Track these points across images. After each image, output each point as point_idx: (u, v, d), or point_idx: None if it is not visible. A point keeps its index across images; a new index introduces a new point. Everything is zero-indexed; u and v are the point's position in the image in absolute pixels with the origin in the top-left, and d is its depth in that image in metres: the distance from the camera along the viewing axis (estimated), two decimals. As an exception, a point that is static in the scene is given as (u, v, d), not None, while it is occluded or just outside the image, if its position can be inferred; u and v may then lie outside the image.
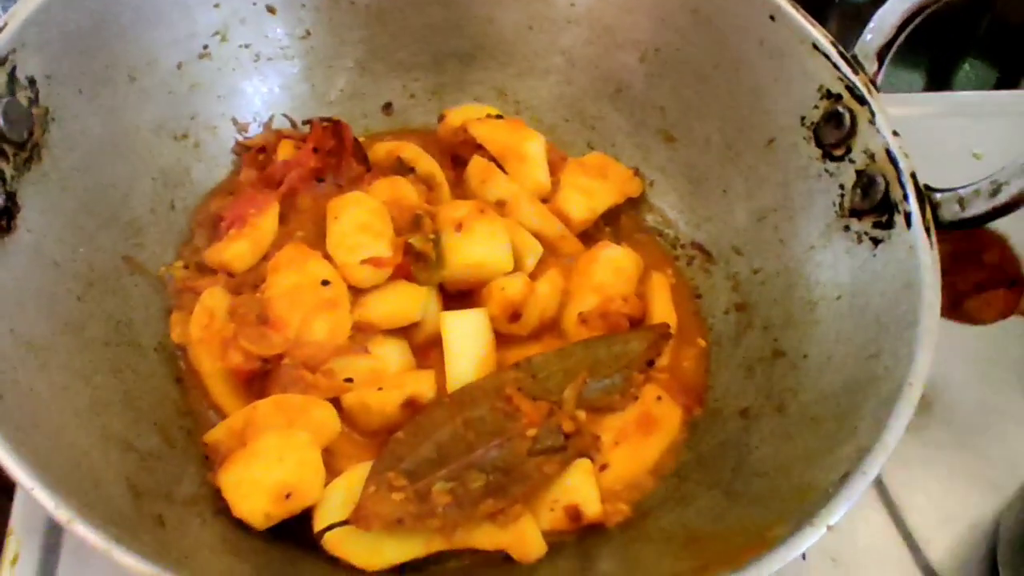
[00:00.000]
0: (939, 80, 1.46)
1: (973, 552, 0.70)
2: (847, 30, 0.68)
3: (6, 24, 0.57)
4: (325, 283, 0.63)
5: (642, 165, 0.77)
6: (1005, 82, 1.44)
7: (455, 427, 0.58)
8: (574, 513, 0.58)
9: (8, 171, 0.56)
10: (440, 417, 0.59)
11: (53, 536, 0.64)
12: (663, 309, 0.69)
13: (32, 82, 0.59)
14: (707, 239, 0.74)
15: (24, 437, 0.46)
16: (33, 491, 0.43)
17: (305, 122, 0.74)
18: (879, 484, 0.71)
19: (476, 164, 0.72)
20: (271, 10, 0.74)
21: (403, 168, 0.73)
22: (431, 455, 0.57)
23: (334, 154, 0.71)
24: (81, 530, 0.43)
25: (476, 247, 0.66)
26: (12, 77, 0.57)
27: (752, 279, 0.70)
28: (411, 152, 0.73)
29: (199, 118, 0.72)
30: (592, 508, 0.58)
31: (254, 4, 0.73)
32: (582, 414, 0.61)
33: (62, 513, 0.43)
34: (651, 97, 0.76)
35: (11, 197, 0.56)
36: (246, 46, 0.73)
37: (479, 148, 0.73)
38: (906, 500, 0.71)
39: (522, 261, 0.68)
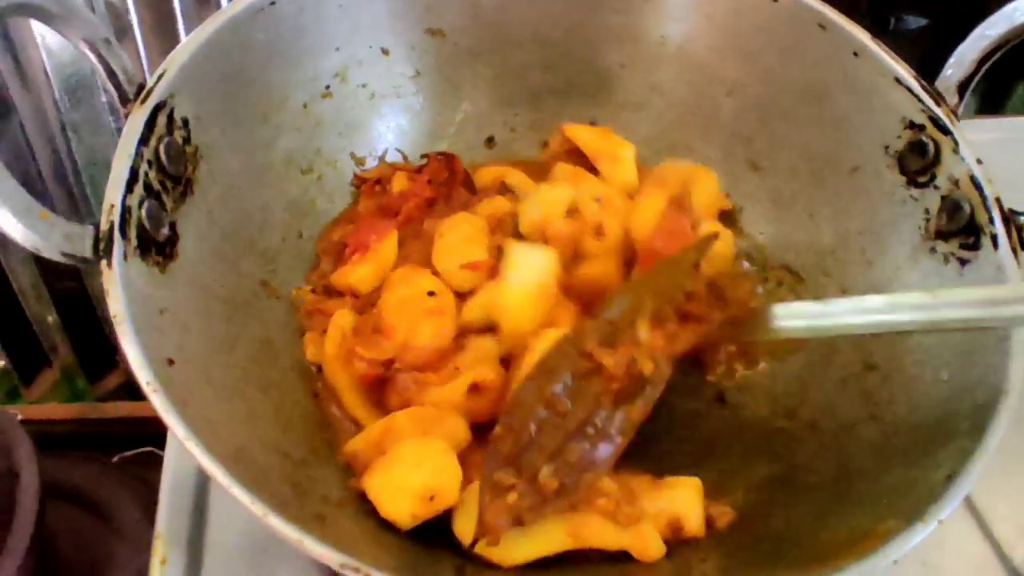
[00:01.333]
0: (992, 105, 1.50)
1: (1055, 557, 0.74)
2: (901, 54, 0.73)
3: (165, 71, 0.63)
4: (431, 294, 0.69)
5: (731, 192, 0.82)
6: (1058, 107, 1.48)
7: (544, 402, 0.61)
8: (676, 526, 0.63)
9: (169, 203, 0.62)
10: (528, 398, 0.61)
11: (196, 542, 0.70)
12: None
13: (186, 123, 0.65)
14: (795, 261, 0.78)
15: (208, 440, 0.51)
16: (231, 488, 0.49)
17: (422, 156, 0.80)
18: (964, 492, 0.75)
19: (562, 168, 0.78)
20: (385, 52, 0.80)
21: (506, 191, 0.78)
22: (529, 440, 0.60)
23: (445, 184, 0.77)
24: (274, 523, 0.48)
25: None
26: (171, 118, 0.63)
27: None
28: (516, 177, 0.79)
29: (322, 153, 0.78)
30: (694, 524, 0.63)
31: (370, 47, 0.79)
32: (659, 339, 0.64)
33: (257, 508, 0.48)
34: (738, 129, 0.81)
35: (172, 227, 0.62)
36: (363, 86, 0.79)
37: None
38: (990, 508, 0.75)
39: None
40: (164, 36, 1.15)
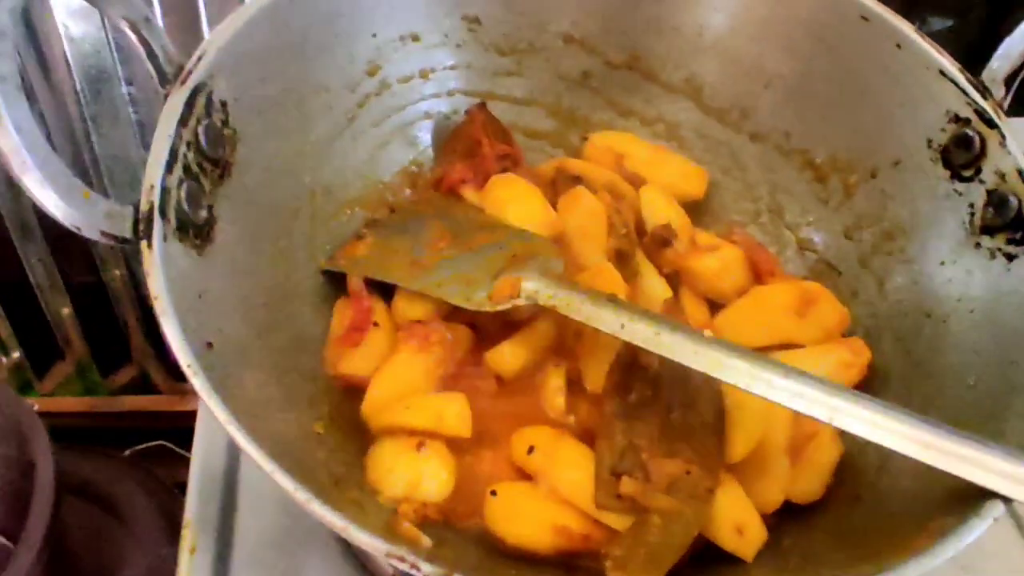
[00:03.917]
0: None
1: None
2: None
3: (205, 52, 0.62)
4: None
5: (771, 186, 0.81)
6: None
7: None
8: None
9: (207, 185, 0.61)
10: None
11: (225, 531, 0.69)
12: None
13: (224, 105, 0.64)
14: (835, 256, 0.77)
15: (248, 425, 0.50)
16: (274, 474, 0.47)
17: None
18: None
19: None
20: (420, 39, 0.79)
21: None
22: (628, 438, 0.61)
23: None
24: (317, 510, 0.47)
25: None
26: (209, 101, 0.62)
27: (880, 292, 0.73)
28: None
29: (359, 139, 0.77)
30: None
31: (405, 33, 0.78)
32: None
33: (300, 495, 0.47)
34: (776, 121, 0.80)
35: (210, 209, 0.61)
36: (399, 71, 0.79)
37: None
38: (1030, 511, 0.74)
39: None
40: (186, 31, 1.14)
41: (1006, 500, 0.51)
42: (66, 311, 1.42)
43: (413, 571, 0.46)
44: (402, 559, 0.46)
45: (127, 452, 1.38)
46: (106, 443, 1.34)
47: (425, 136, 0.81)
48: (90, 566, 1.14)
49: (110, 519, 1.22)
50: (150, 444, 1.42)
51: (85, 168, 1.31)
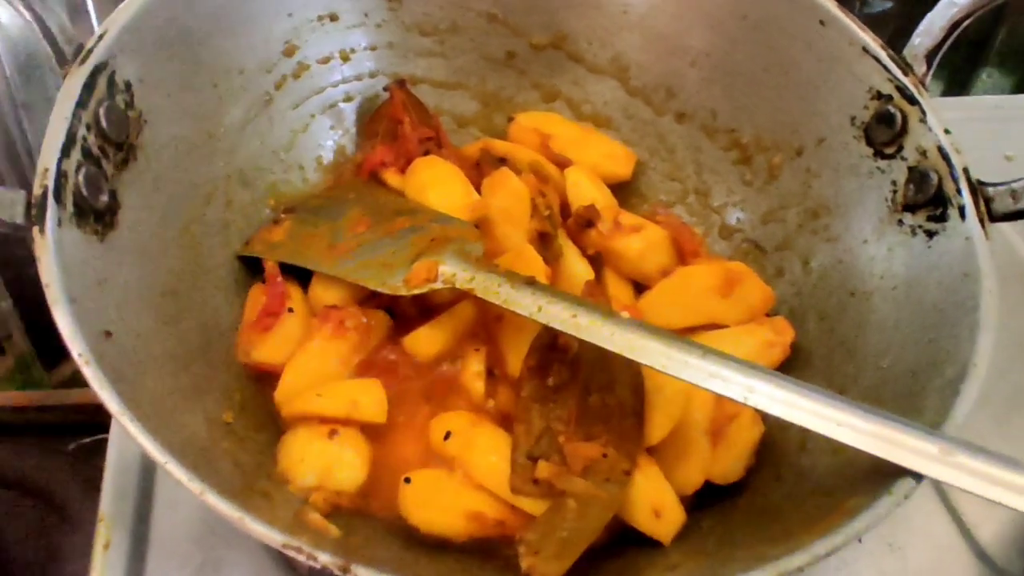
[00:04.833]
0: (957, 87, 1.51)
1: (1020, 535, 0.73)
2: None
3: (106, 31, 0.60)
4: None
5: (697, 167, 0.80)
6: (1021, 89, 1.49)
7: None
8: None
9: (109, 170, 0.59)
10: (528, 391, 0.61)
11: (141, 525, 0.67)
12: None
13: (128, 86, 0.61)
14: (760, 235, 0.77)
15: (147, 416, 0.48)
16: (166, 464, 0.46)
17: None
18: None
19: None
20: (338, 18, 0.77)
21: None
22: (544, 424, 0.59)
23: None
24: (211, 500, 0.45)
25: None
26: (111, 81, 0.60)
27: (804, 271, 0.73)
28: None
29: (275, 123, 0.75)
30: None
31: (323, 13, 0.76)
32: None
33: (194, 486, 0.46)
34: (702, 100, 0.79)
35: (112, 195, 0.59)
36: (317, 53, 0.77)
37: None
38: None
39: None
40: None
41: (918, 477, 0.51)
42: (5, 304, 1.39)
43: (311, 562, 0.45)
44: (299, 550, 0.45)
45: (71, 447, 1.35)
46: (50, 437, 1.31)
47: (348, 119, 0.79)
48: (28, 562, 1.12)
49: (50, 514, 1.19)
50: (95, 438, 1.39)
51: (18, 157, 1.28)
